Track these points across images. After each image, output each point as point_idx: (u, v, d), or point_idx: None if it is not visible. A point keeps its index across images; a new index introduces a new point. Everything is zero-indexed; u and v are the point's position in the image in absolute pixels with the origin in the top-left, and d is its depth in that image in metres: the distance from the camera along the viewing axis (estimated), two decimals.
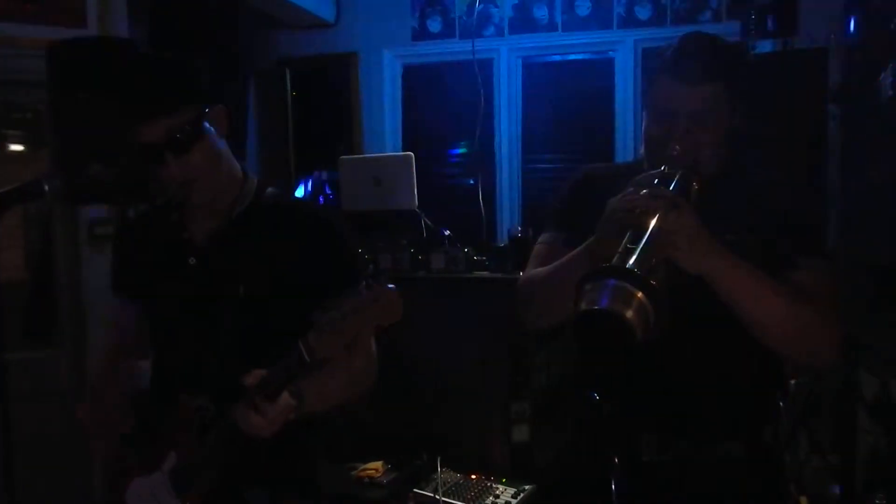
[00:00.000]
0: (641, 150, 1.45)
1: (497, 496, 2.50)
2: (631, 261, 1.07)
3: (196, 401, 1.41)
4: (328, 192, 3.66)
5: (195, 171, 1.42)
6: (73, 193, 1.81)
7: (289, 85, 3.96)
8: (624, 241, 1.13)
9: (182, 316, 1.51)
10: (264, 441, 1.31)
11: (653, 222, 1.13)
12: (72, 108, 2.37)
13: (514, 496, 2.49)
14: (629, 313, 1.02)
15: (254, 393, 1.27)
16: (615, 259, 1.10)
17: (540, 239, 1.53)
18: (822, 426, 2.89)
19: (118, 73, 1.48)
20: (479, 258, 2.95)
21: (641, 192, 1.19)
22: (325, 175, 3.80)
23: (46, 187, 1.41)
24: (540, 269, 1.43)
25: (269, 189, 1.57)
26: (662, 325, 1.04)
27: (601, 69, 3.76)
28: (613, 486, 1.21)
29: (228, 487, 1.43)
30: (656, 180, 1.24)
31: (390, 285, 1.23)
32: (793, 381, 2.91)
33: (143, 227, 1.64)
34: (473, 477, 2.63)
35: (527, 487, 2.55)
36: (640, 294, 1.02)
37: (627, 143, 3.66)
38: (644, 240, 1.11)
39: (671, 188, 1.23)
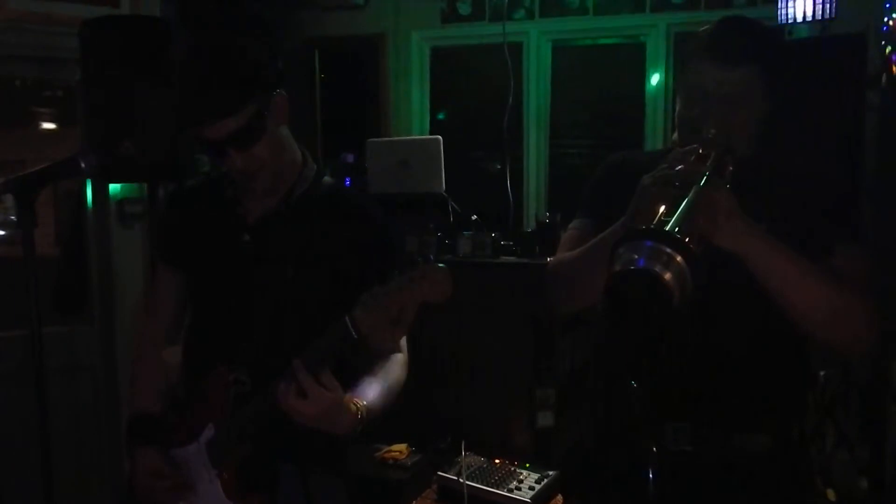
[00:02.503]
0: (673, 137, 1.43)
1: (521, 481, 2.49)
2: (667, 227, 1.02)
3: (233, 374, 1.42)
4: (347, 180, 3.65)
5: (258, 162, 1.42)
6: (105, 171, 1.82)
7: (317, 66, 3.95)
8: (658, 215, 1.09)
9: (228, 290, 1.51)
10: (299, 421, 1.30)
11: (688, 197, 1.10)
12: (106, 87, 2.39)
13: (538, 481, 2.49)
14: (667, 275, 0.94)
15: (298, 370, 1.26)
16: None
17: (571, 224, 1.51)
18: (850, 419, 2.86)
19: (180, 66, 1.44)
20: (505, 243, 2.93)
21: (677, 168, 1.17)
22: (350, 157, 3.80)
23: (83, 164, 1.42)
24: (570, 253, 1.42)
25: (326, 178, 1.57)
26: (698, 296, 0.96)
27: (632, 54, 3.71)
28: (651, 476, 1.19)
29: (261, 462, 1.44)
30: (692, 157, 1.22)
31: (440, 264, 1.20)
32: (821, 373, 2.88)
33: (196, 198, 1.63)
34: (497, 461, 2.63)
35: (550, 473, 2.55)
36: (678, 258, 0.95)
37: (658, 129, 3.62)
38: (679, 212, 1.06)
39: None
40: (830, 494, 2.70)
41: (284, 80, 1.43)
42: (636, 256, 0.97)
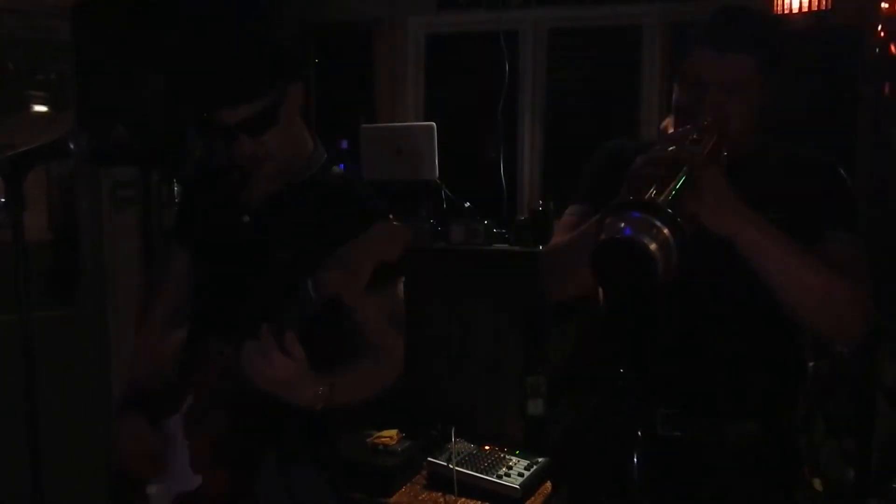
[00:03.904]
0: (663, 125, 1.44)
1: (510, 467, 2.51)
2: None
3: (218, 346, 1.43)
4: (340, 166, 3.63)
5: (268, 150, 1.43)
6: (97, 154, 1.82)
7: (312, 51, 3.93)
8: (649, 193, 1.10)
9: (227, 270, 1.53)
10: (276, 403, 1.30)
11: (679, 176, 1.10)
12: (99, 71, 2.37)
13: (527, 468, 2.51)
14: (653, 245, 0.96)
15: (263, 332, 1.27)
16: None
17: (567, 211, 1.52)
18: (839, 410, 2.88)
19: (199, 50, 1.44)
20: (499, 231, 2.93)
21: (669, 148, 1.17)
22: (344, 143, 3.78)
23: (72, 146, 1.42)
24: (563, 238, 1.42)
25: (335, 168, 1.58)
26: (682, 270, 0.98)
27: (628, 42, 3.70)
28: (635, 461, 1.20)
29: (240, 442, 1.44)
30: (687, 141, 1.22)
31: (395, 222, 1.23)
32: (811, 364, 2.90)
33: (209, 182, 1.65)
34: (487, 448, 2.65)
35: (540, 460, 2.57)
36: (665, 230, 0.97)
37: (653, 118, 3.61)
38: (669, 190, 1.07)
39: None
40: (817, 483, 2.72)
41: (305, 71, 1.43)
42: (622, 226, 0.98)
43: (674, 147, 1.17)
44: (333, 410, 1.40)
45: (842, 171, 1.38)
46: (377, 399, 1.49)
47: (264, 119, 1.38)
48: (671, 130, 1.35)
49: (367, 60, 3.91)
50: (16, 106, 3.32)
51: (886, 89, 2.73)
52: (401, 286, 1.52)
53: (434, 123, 3.18)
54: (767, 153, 1.39)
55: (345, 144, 3.73)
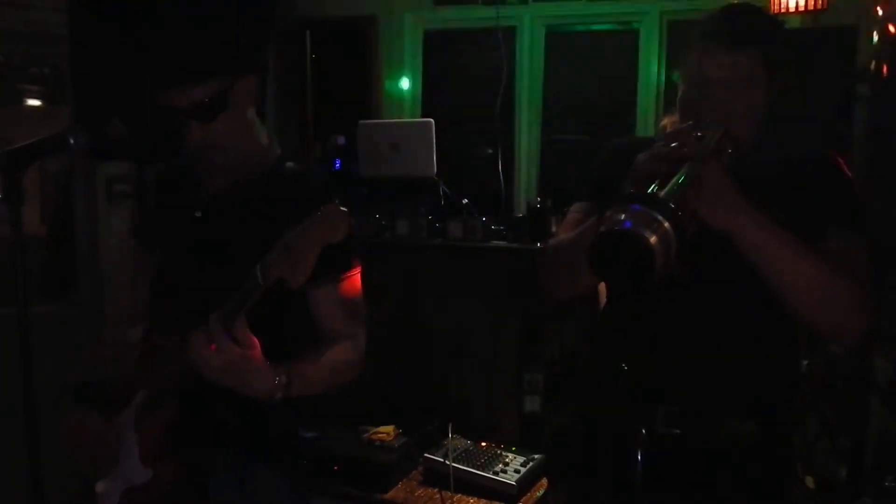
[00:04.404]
0: (662, 123, 1.44)
1: (506, 464, 2.51)
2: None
3: (166, 339, 1.43)
4: (336, 162, 3.63)
5: (218, 139, 1.45)
6: (95, 148, 1.82)
7: (309, 47, 3.92)
8: (651, 188, 1.10)
9: (181, 265, 1.55)
10: (226, 395, 1.29)
11: (681, 171, 1.10)
12: (93, 64, 2.36)
13: (524, 465, 2.51)
14: (653, 238, 0.96)
15: (211, 321, 1.26)
16: None
17: (572, 208, 1.52)
18: (833, 409, 2.89)
19: (153, 34, 1.48)
20: (496, 228, 2.93)
21: (672, 145, 1.17)
22: (341, 139, 3.77)
23: (71, 141, 1.41)
24: (566, 235, 1.42)
25: (290, 163, 1.58)
26: (681, 266, 0.99)
27: (625, 40, 3.71)
28: (640, 458, 1.21)
29: (191, 437, 1.45)
30: (691, 138, 1.22)
31: (341, 207, 1.23)
32: (805, 362, 2.91)
33: (166, 179, 1.71)
34: (483, 444, 2.65)
35: (536, 457, 2.57)
36: (665, 223, 0.97)
37: (650, 116, 3.62)
38: (671, 185, 1.07)
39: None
40: (809, 481, 2.73)
41: (263, 71, 1.46)
42: (623, 218, 0.99)
43: (676, 143, 1.18)
44: (290, 405, 1.38)
45: (846, 169, 1.38)
46: (339, 391, 1.48)
47: (213, 105, 1.41)
48: (670, 128, 1.35)
49: (365, 56, 3.91)
50: (10, 100, 3.30)
51: (885, 71, 2.73)
52: (357, 278, 1.51)
53: (432, 120, 3.17)
54: (772, 150, 1.39)
55: (342, 140, 3.72)
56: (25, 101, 3.32)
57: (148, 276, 1.66)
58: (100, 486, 1.51)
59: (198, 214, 1.54)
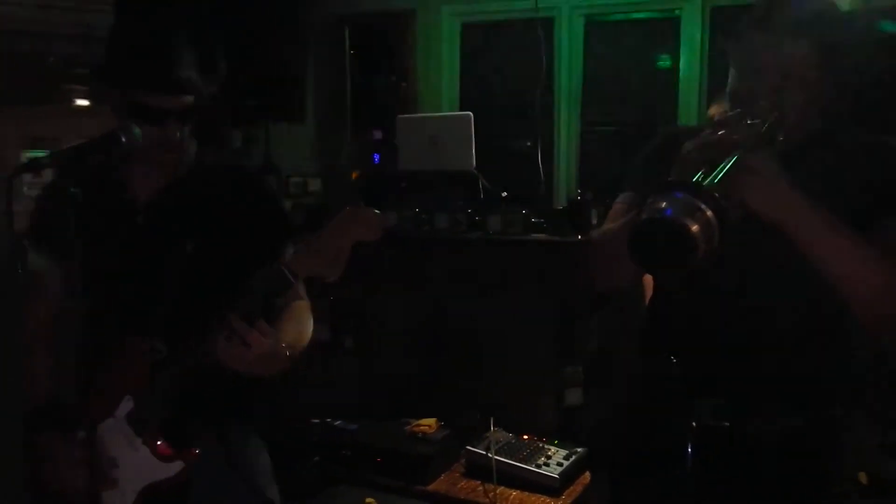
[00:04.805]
0: (710, 112, 1.41)
1: (549, 457, 2.51)
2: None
3: (147, 343, 1.45)
4: (375, 156, 3.65)
5: (184, 138, 1.52)
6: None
7: (347, 43, 3.94)
8: (697, 176, 1.08)
9: (129, 270, 1.54)
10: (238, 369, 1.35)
11: (728, 160, 1.08)
12: None
13: (566, 458, 2.50)
14: (694, 227, 0.96)
15: (235, 321, 1.31)
16: None
17: (618, 198, 1.50)
18: (883, 403, 2.82)
19: (168, 29, 1.54)
20: (536, 220, 2.92)
21: (720, 132, 1.15)
22: (378, 134, 3.79)
23: (124, 139, 1.43)
24: (612, 225, 1.41)
25: (208, 153, 1.65)
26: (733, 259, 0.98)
27: (666, 29, 3.64)
28: (690, 451, 1.19)
29: (183, 422, 1.48)
30: (741, 125, 1.20)
31: (372, 208, 1.29)
32: (854, 356, 2.84)
33: (78, 188, 1.49)
34: (525, 437, 2.65)
35: (579, 450, 2.56)
36: (708, 212, 0.97)
37: (691, 106, 3.56)
38: (716, 172, 1.06)
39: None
40: (862, 477, 2.67)
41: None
42: (664, 205, 0.98)
43: (725, 131, 1.16)
44: (260, 383, 1.48)
45: None
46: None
47: (195, 112, 1.50)
48: (718, 117, 1.33)
49: (402, 50, 3.91)
50: (57, 99, 3.38)
51: None
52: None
53: (471, 113, 3.17)
54: (830, 139, 1.35)
55: (378, 135, 3.74)
56: (73, 101, 3.41)
57: (56, 290, 1.58)
58: (106, 495, 1.48)
59: (140, 220, 1.56)
